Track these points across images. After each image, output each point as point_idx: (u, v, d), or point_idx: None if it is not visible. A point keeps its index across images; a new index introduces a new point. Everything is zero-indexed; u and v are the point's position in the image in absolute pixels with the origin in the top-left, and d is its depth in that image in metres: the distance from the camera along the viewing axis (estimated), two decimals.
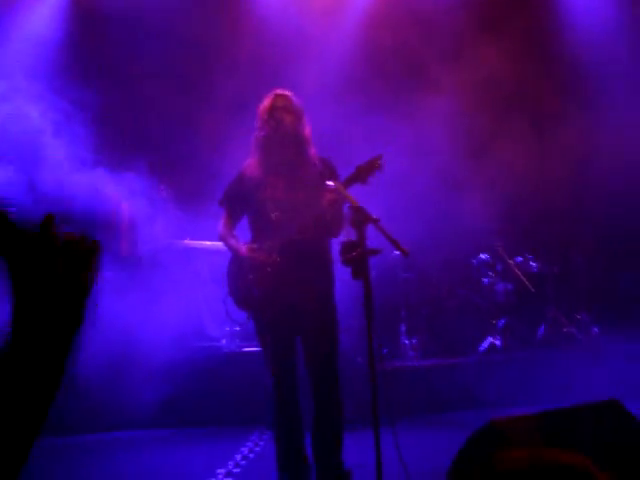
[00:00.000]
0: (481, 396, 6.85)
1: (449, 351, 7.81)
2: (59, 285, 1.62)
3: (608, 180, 8.43)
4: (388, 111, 8.11)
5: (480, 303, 8.13)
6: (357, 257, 3.83)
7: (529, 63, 8.57)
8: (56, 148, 7.20)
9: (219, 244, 4.98)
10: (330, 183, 4.16)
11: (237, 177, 4.80)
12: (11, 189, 6.87)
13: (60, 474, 5.55)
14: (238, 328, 7.29)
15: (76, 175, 7.11)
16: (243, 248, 4.59)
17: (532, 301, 8.07)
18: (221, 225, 4.80)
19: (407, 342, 7.83)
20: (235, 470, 5.42)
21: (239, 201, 4.75)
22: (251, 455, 5.81)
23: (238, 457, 5.74)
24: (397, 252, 4.05)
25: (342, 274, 4.44)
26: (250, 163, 4.71)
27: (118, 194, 7.18)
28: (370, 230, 3.95)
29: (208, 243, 7.45)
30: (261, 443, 6.12)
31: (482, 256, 8.19)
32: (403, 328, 7.86)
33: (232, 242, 4.68)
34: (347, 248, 3.87)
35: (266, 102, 4.66)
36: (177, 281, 7.23)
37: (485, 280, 8.12)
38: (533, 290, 7.96)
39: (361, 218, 3.86)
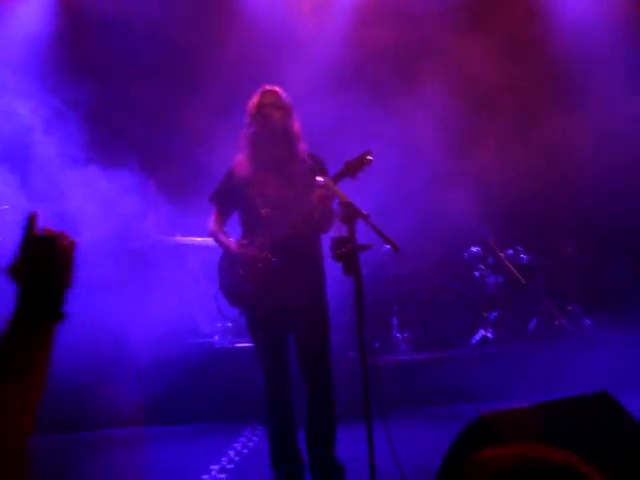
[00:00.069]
0: (473, 389, 6.86)
1: (441, 344, 7.83)
2: (37, 279, 1.63)
3: (598, 173, 8.45)
4: (378, 107, 8.11)
5: (472, 296, 8.15)
6: (347, 253, 3.84)
7: (518, 59, 8.57)
8: (47, 146, 7.19)
9: (210, 240, 4.98)
10: (320, 179, 4.16)
11: (227, 174, 4.80)
12: (3, 186, 6.87)
13: (51, 472, 5.54)
14: (230, 324, 7.30)
15: (68, 172, 7.11)
16: (233, 244, 4.59)
17: (523, 293, 8.08)
18: (211, 221, 4.80)
19: (399, 336, 7.85)
20: (229, 466, 5.44)
21: (229, 197, 4.75)
22: (244, 451, 5.82)
23: (231, 453, 5.75)
24: (388, 247, 4.04)
25: (333, 270, 4.45)
26: (240, 160, 4.71)
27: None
28: (361, 225, 3.96)
29: (199, 239, 7.45)
30: (254, 439, 6.12)
31: (473, 249, 8.20)
32: (395, 322, 7.87)
33: (222, 238, 4.69)
34: (337, 244, 3.88)
35: (255, 98, 4.66)
36: (168, 278, 7.22)
37: (476, 273, 8.14)
38: (524, 282, 7.98)
39: (351, 214, 3.87)
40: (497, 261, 8.08)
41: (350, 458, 4.68)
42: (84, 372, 6.64)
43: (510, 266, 8.01)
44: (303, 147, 4.67)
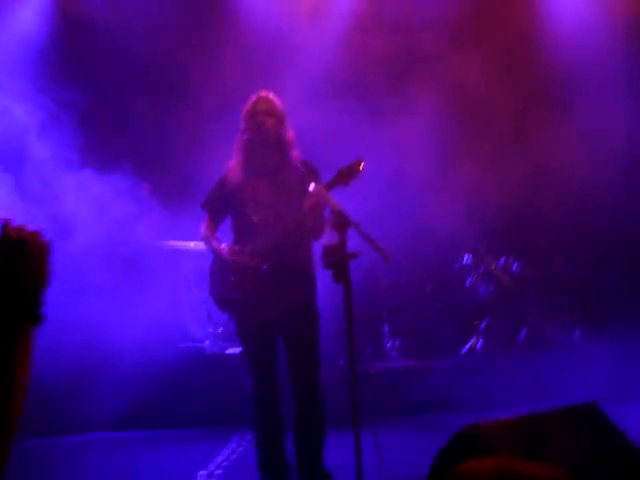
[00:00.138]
0: (462, 398, 6.87)
1: (431, 353, 7.83)
2: (11, 280, 1.64)
3: (590, 184, 8.49)
4: (372, 114, 8.14)
5: (462, 305, 8.17)
6: (338, 261, 3.86)
7: (513, 70, 8.61)
8: (41, 148, 7.19)
9: (202, 245, 5.00)
10: (312, 186, 4.18)
11: (220, 180, 4.82)
12: None
13: (40, 476, 5.53)
14: (220, 329, 7.31)
15: (62, 175, 7.10)
16: (225, 250, 4.60)
17: (514, 303, 8.10)
18: (203, 227, 4.82)
19: (390, 344, 7.86)
20: (217, 472, 5.43)
21: (221, 204, 4.77)
22: (233, 456, 5.82)
23: (220, 459, 5.75)
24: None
25: (324, 278, 4.46)
26: (233, 166, 4.73)
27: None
28: (353, 233, 3.97)
29: (192, 244, 7.45)
30: (243, 444, 6.12)
31: (465, 258, 8.22)
32: (386, 329, 7.89)
33: (214, 244, 4.70)
34: (328, 252, 3.90)
35: (249, 105, 4.68)
36: (160, 282, 7.22)
37: (467, 282, 8.15)
38: (515, 292, 8.00)
39: (342, 222, 3.88)
40: (488, 270, 8.10)
41: (338, 466, 4.68)
42: (71, 375, 6.64)
43: (501, 276, 8.03)
44: (296, 154, 4.69)
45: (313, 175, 4.56)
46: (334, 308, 5.29)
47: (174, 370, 6.89)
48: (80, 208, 7.00)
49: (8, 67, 7.57)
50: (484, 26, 8.67)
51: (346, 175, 4.14)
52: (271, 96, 4.70)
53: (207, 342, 7.47)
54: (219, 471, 5.44)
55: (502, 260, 8.18)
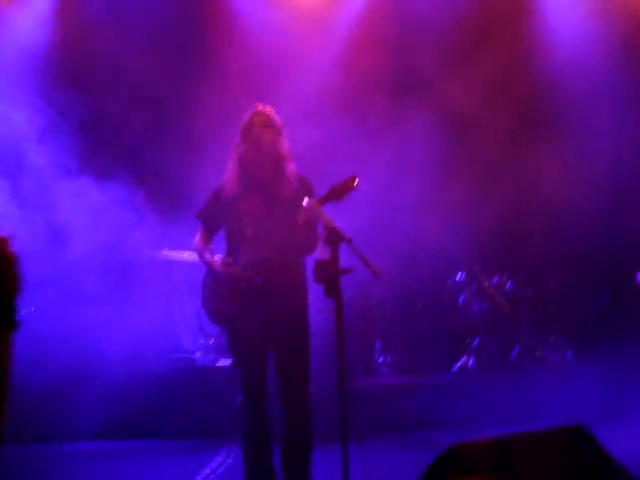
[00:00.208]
0: (453, 416, 6.88)
1: (423, 370, 7.83)
2: None
3: (582, 204, 8.53)
4: (370, 131, 8.17)
5: (454, 322, 8.17)
6: (329, 276, 3.86)
7: (507, 90, 8.65)
8: (40, 155, 7.20)
9: (196, 256, 5.00)
10: (305, 202, 4.19)
11: (215, 191, 4.83)
12: None
13: None
14: (212, 341, 7.31)
15: (59, 182, 7.12)
16: (217, 263, 4.61)
17: (506, 322, 8.11)
18: (197, 239, 4.83)
19: (381, 359, 7.86)
20: None
21: (216, 216, 4.78)
22: (220, 470, 5.81)
23: (207, 471, 5.74)
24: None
25: (316, 294, 4.46)
26: (228, 178, 4.74)
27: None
28: (346, 249, 3.97)
29: (185, 254, 7.45)
30: (231, 457, 6.10)
31: (458, 276, 8.23)
32: (377, 345, 7.89)
33: (207, 256, 4.71)
34: (320, 267, 3.90)
35: (246, 118, 4.70)
36: (153, 292, 7.22)
37: (460, 300, 8.16)
38: (507, 311, 8.01)
39: (334, 237, 3.89)
40: (481, 289, 8.10)
41: None
42: (62, 384, 6.64)
43: (494, 294, 8.04)
44: (292, 168, 4.70)
45: (307, 190, 4.57)
46: (325, 322, 5.31)
47: (164, 381, 6.89)
48: (76, 216, 7.01)
49: (8, 74, 7.60)
50: (481, 46, 8.71)
51: (340, 191, 4.15)
52: (268, 110, 4.72)
53: (198, 354, 7.46)
54: None
55: (495, 278, 8.19)
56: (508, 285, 8.17)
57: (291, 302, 4.61)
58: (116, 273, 7.19)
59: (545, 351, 8.01)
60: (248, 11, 8.63)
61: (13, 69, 7.69)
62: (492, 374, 7.73)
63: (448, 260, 8.23)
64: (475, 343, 8.00)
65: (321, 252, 4.13)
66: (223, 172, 4.80)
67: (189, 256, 7.26)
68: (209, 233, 4.84)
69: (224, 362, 7.09)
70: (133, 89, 8.16)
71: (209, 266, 4.67)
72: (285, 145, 4.69)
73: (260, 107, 4.73)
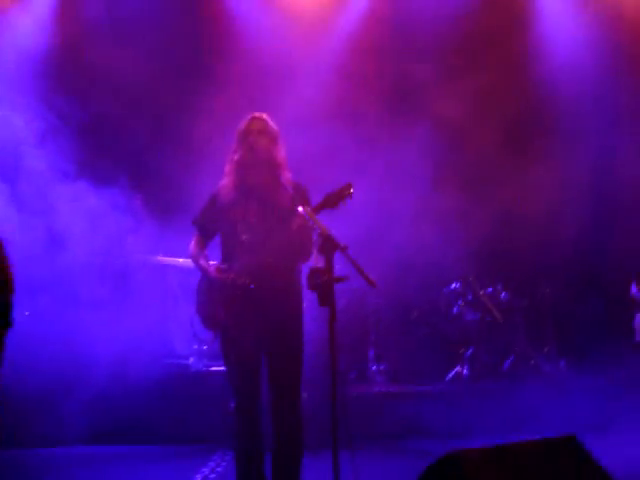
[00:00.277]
0: (445, 425, 6.87)
1: (416, 378, 7.84)
2: None
3: (579, 214, 8.56)
4: (366, 139, 8.19)
5: (449, 332, 8.18)
6: (323, 283, 3.86)
7: (505, 98, 8.69)
8: (38, 159, 7.20)
9: (191, 261, 5.00)
10: (300, 209, 4.19)
11: (211, 198, 4.83)
12: None
13: None
14: (205, 347, 7.30)
15: (58, 186, 7.12)
16: (212, 269, 4.60)
17: (500, 332, 8.12)
18: (193, 245, 4.83)
19: (375, 367, 7.86)
20: None
21: (212, 222, 4.78)
22: (212, 475, 5.80)
23: (198, 477, 5.73)
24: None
25: (311, 302, 4.46)
26: (224, 184, 4.74)
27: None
28: (341, 257, 3.98)
29: (180, 260, 7.45)
30: (223, 464, 6.10)
31: (453, 285, 8.24)
32: (371, 353, 7.89)
33: (202, 262, 4.71)
34: (314, 274, 3.90)
35: (243, 124, 4.71)
36: (147, 297, 7.22)
37: (455, 309, 8.16)
38: (502, 321, 8.02)
39: (329, 245, 3.89)
40: (476, 298, 8.11)
41: None
42: (54, 388, 6.63)
43: (488, 304, 8.05)
44: (287, 175, 4.70)
45: (303, 197, 4.57)
46: (320, 330, 5.31)
47: (157, 385, 6.87)
48: (74, 220, 7.01)
49: (7, 77, 7.60)
50: (477, 56, 8.75)
51: (335, 199, 4.16)
52: (265, 116, 4.74)
53: (191, 359, 7.45)
54: None
55: (490, 288, 8.19)
56: (502, 295, 8.17)
57: (285, 309, 4.61)
58: (111, 278, 7.19)
59: (539, 361, 8.02)
60: (247, 17, 8.66)
61: (13, 72, 7.70)
62: (485, 383, 7.74)
63: (443, 269, 8.24)
64: (469, 352, 8.00)
65: (316, 260, 4.13)
66: (219, 178, 4.80)
67: (184, 262, 7.26)
68: (205, 239, 4.85)
69: (217, 368, 7.08)
70: (132, 94, 8.17)
71: (203, 272, 4.68)
72: (281, 152, 4.70)
73: (257, 113, 4.74)
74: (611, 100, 8.68)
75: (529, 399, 7.07)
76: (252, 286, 4.49)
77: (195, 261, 4.76)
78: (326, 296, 3.85)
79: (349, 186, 4.12)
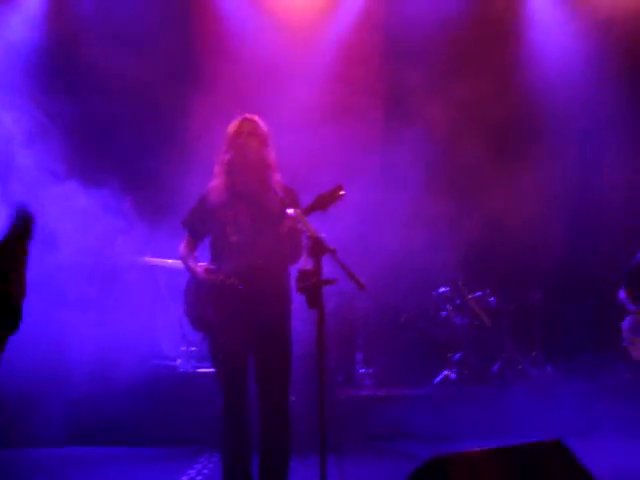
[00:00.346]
0: (432, 429, 6.89)
1: (404, 382, 7.85)
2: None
3: (568, 219, 8.60)
4: (359, 142, 8.19)
5: (437, 336, 8.18)
6: (312, 286, 3.86)
7: (502, 99, 8.71)
8: (27, 158, 7.17)
9: (179, 263, 4.99)
10: (290, 211, 4.19)
11: (201, 198, 4.83)
12: None
13: None
14: (193, 348, 7.29)
15: (47, 186, 7.08)
16: (201, 270, 4.60)
17: (488, 336, 8.14)
18: (182, 246, 4.83)
19: (363, 371, 7.86)
20: None
21: (201, 223, 4.78)
22: (198, 477, 5.79)
23: (185, 478, 5.72)
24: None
25: (300, 304, 4.46)
26: (214, 186, 4.74)
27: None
28: (331, 260, 3.97)
29: (169, 261, 7.44)
30: (210, 465, 6.09)
31: (441, 289, 8.24)
32: (359, 357, 7.89)
33: (191, 264, 4.71)
34: (303, 277, 3.90)
35: (233, 126, 4.70)
36: (136, 298, 7.20)
37: (443, 313, 8.17)
38: (489, 325, 8.03)
39: (318, 248, 3.89)
40: (464, 302, 8.12)
41: None
42: (40, 388, 6.60)
43: (476, 308, 8.06)
44: (277, 177, 4.70)
45: (292, 200, 4.58)
46: (308, 332, 5.31)
47: (144, 387, 6.86)
48: (64, 220, 6.98)
49: None
50: (470, 62, 8.78)
51: (325, 201, 4.15)
52: (255, 118, 4.73)
53: (179, 360, 7.44)
54: None
55: (478, 292, 8.20)
56: (491, 299, 8.18)
57: (274, 310, 4.61)
58: (99, 278, 7.16)
59: (526, 366, 8.04)
60: (238, 18, 8.65)
61: (2, 70, 7.66)
62: (473, 387, 7.75)
63: (432, 273, 8.25)
64: (457, 356, 8.02)
65: (305, 262, 4.13)
66: (209, 179, 4.80)
67: (173, 263, 7.24)
68: (194, 240, 4.84)
69: (205, 369, 7.07)
70: (122, 95, 8.15)
71: (192, 273, 4.67)
72: (271, 154, 4.70)
73: (247, 115, 4.74)
74: (599, 106, 8.71)
75: (516, 403, 7.08)
76: (241, 287, 4.49)
77: (184, 262, 4.76)
78: (315, 299, 3.85)
79: (339, 188, 4.12)
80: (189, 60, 8.53)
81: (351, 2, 8.89)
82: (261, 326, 4.56)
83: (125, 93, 8.15)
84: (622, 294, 7.86)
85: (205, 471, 5.95)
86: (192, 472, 5.90)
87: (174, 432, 6.78)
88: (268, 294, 4.58)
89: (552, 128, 8.82)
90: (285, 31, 8.62)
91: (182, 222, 4.87)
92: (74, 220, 6.97)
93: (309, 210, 4.20)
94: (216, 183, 4.72)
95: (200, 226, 4.79)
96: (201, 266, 4.65)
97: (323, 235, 3.99)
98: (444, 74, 8.73)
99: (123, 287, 7.18)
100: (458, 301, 8.15)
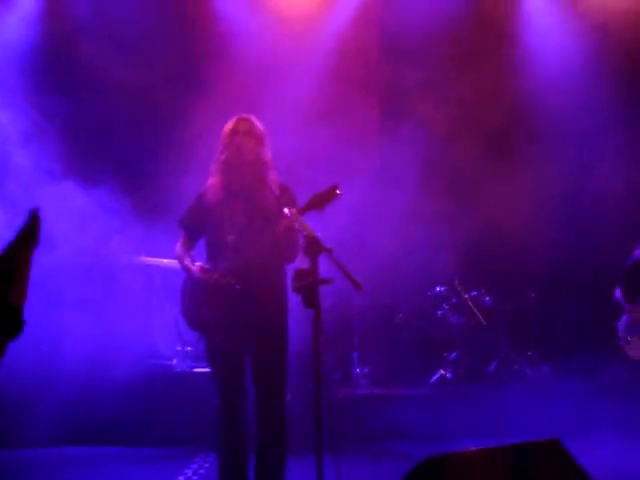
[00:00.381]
0: (428, 428, 6.89)
1: (400, 381, 7.85)
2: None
3: (565, 219, 8.60)
4: (356, 141, 8.19)
5: (433, 335, 8.19)
6: (308, 286, 3.85)
7: (499, 100, 8.72)
8: (23, 157, 7.16)
9: (175, 262, 4.99)
10: (286, 210, 4.19)
11: (197, 199, 4.83)
12: None
13: None
14: (189, 348, 7.28)
15: (43, 186, 7.07)
16: (197, 269, 4.59)
17: (485, 336, 8.14)
18: (178, 245, 4.82)
19: (359, 370, 7.86)
20: None
21: (197, 222, 4.78)
22: (194, 477, 5.78)
23: (181, 478, 5.72)
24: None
25: (296, 303, 4.46)
26: (210, 185, 4.74)
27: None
28: (327, 259, 3.97)
29: (165, 261, 7.43)
30: (205, 465, 6.09)
31: (438, 288, 8.24)
32: (356, 356, 7.89)
33: (187, 263, 4.70)
34: (299, 276, 3.89)
35: (229, 126, 4.71)
36: (131, 298, 7.19)
37: (439, 312, 8.17)
38: (486, 325, 8.04)
39: (314, 248, 3.88)
40: (460, 302, 8.12)
41: None
42: (36, 389, 6.59)
43: (473, 307, 8.06)
44: (273, 176, 4.71)
45: (289, 199, 4.57)
46: (304, 331, 5.30)
47: (140, 387, 6.85)
48: (60, 220, 6.97)
49: None
50: (467, 61, 8.79)
51: (321, 200, 4.14)
52: (251, 118, 4.74)
53: (175, 360, 7.43)
54: None
55: (474, 292, 8.20)
56: (487, 299, 8.18)
57: (270, 309, 4.61)
58: (96, 278, 7.15)
59: (522, 365, 8.05)
60: (236, 18, 8.63)
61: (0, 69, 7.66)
62: (469, 387, 7.75)
63: (428, 273, 8.25)
64: (453, 356, 8.02)
65: (301, 261, 4.12)
66: (206, 179, 4.79)
67: (169, 262, 7.24)
68: (191, 240, 4.84)
69: (201, 369, 7.06)
70: (119, 94, 8.13)
71: (188, 272, 4.67)
72: (267, 153, 4.70)
73: (243, 115, 4.74)
74: (596, 108, 8.72)
75: (512, 403, 7.08)
76: (237, 286, 4.48)
77: (180, 261, 4.76)
78: (311, 298, 3.85)
79: (335, 187, 4.11)
80: (185, 59, 8.51)
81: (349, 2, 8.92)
82: (257, 325, 4.56)
83: (121, 93, 8.13)
84: (618, 293, 7.87)
85: (201, 471, 5.95)
86: (188, 472, 5.90)
87: (170, 432, 6.78)
88: (264, 293, 4.58)
89: (549, 129, 8.82)
90: (281, 30, 8.61)
91: (178, 221, 4.88)
92: (70, 220, 6.96)
93: (305, 209, 4.19)
94: (212, 182, 4.72)
95: (196, 225, 4.79)
96: (197, 265, 4.64)
97: (319, 234, 3.99)
98: (441, 73, 8.73)
99: (119, 287, 7.18)
100: (454, 300, 8.16)
